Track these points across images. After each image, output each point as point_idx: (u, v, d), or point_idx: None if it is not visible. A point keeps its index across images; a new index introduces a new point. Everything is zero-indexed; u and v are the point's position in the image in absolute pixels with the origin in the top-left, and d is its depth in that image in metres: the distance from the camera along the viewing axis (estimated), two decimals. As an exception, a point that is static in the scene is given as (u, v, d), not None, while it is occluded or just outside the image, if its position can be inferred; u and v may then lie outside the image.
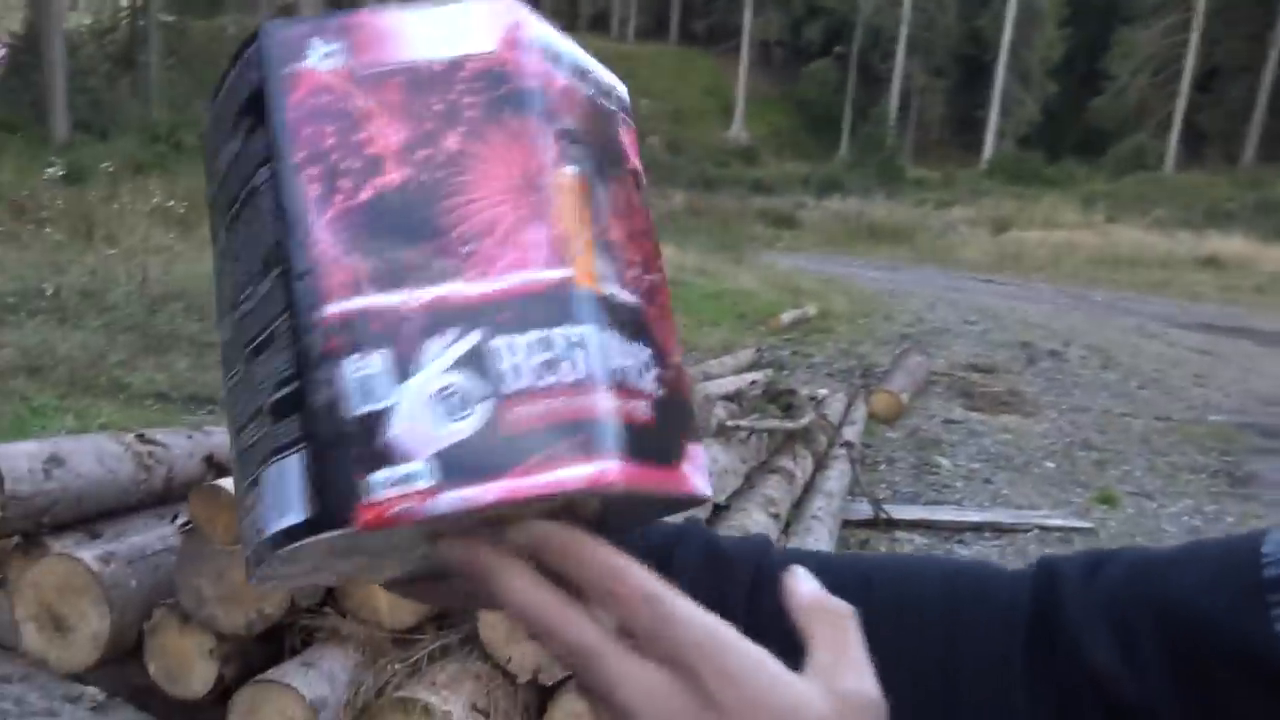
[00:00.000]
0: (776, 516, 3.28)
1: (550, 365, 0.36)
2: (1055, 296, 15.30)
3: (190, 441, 2.37)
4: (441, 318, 0.36)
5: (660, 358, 0.42)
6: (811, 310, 11.10)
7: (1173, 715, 0.45)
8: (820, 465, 4.36)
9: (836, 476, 4.22)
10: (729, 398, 4.54)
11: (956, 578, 0.53)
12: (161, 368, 5.76)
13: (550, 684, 1.70)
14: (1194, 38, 36.77)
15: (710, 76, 46.15)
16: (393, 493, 0.35)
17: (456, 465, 0.35)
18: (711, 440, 3.39)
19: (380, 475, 0.35)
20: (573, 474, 0.35)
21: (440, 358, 0.36)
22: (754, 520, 3.07)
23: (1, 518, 1.89)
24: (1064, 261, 20.39)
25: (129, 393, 5.25)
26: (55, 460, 2.01)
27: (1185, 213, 25.43)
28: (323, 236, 0.37)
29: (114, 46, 32.12)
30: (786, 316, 10.24)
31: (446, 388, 0.36)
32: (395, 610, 1.67)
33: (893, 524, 4.23)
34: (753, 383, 5.34)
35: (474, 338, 0.36)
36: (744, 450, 3.60)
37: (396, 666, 1.69)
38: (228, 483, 1.52)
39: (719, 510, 3.01)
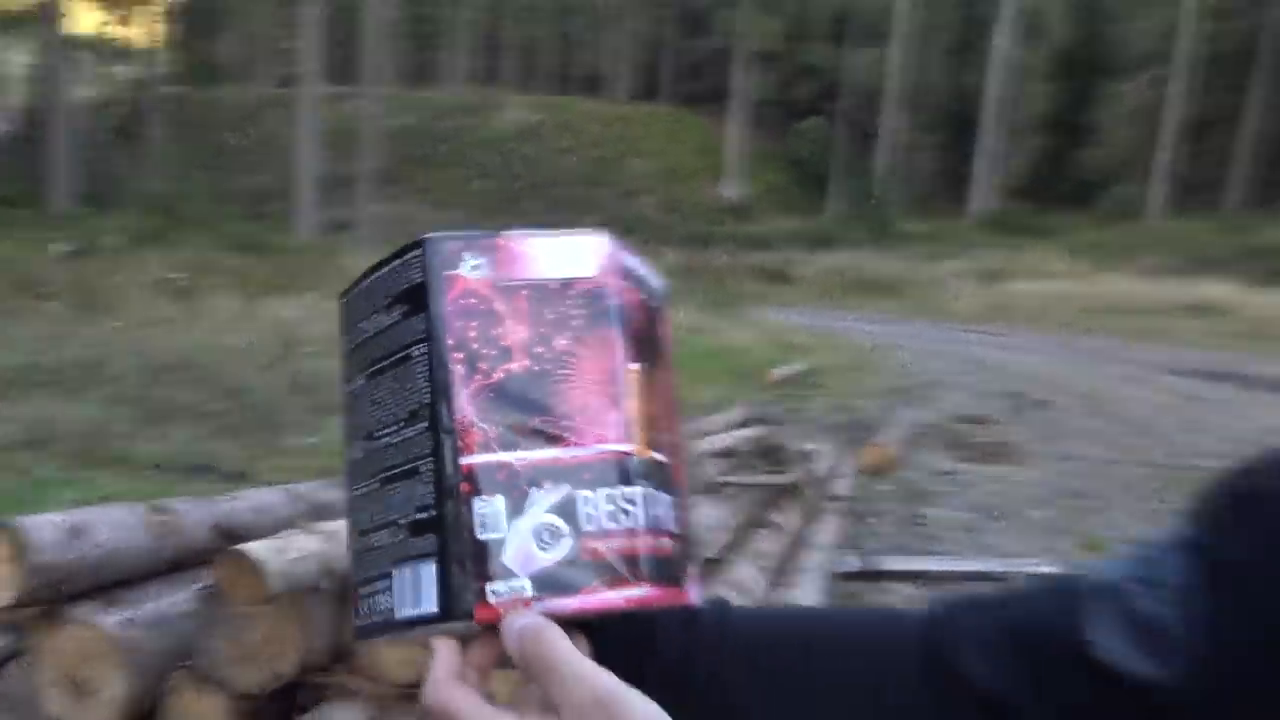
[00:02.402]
0: (766, 570, 3.38)
1: (614, 515, 0.51)
2: (1045, 346, 15.46)
3: (201, 510, 2.48)
4: (544, 474, 0.51)
5: (679, 503, 0.57)
6: (804, 365, 11.25)
7: (1035, 712, 0.57)
8: (810, 519, 4.46)
9: (825, 530, 4.33)
10: (722, 454, 4.66)
11: (868, 621, 0.67)
12: (161, 438, 5.87)
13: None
14: (1176, 89, 37.46)
15: (702, 136, 46.84)
16: (503, 599, 0.49)
17: (548, 582, 0.50)
18: (703, 497, 3.51)
19: (495, 585, 0.49)
20: (624, 595, 0.51)
21: (540, 503, 0.50)
22: (744, 574, 3.18)
23: (27, 588, 2.01)
24: (1053, 311, 20.60)
25: (130, 464, 5.36)
26: (76, 530, 2.12)
27: (1172, 260, 25.72)
28: (465, 405, 0.51)
29: (116, 119, 32.67)
30: (779, 372, 10.38)
31: (544, 525, 0.50)
32: (401, 667, 1.78)
33: (882, 575, 4.33)
34: (745, 439, 5.46)
35: (564, 490, 0.51)
36: (734, 506, 3.72)
37: (401, 721, 1.80)
38: (252, 547, 1.66)
39: (710, 564, 3.11)
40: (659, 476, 0.54)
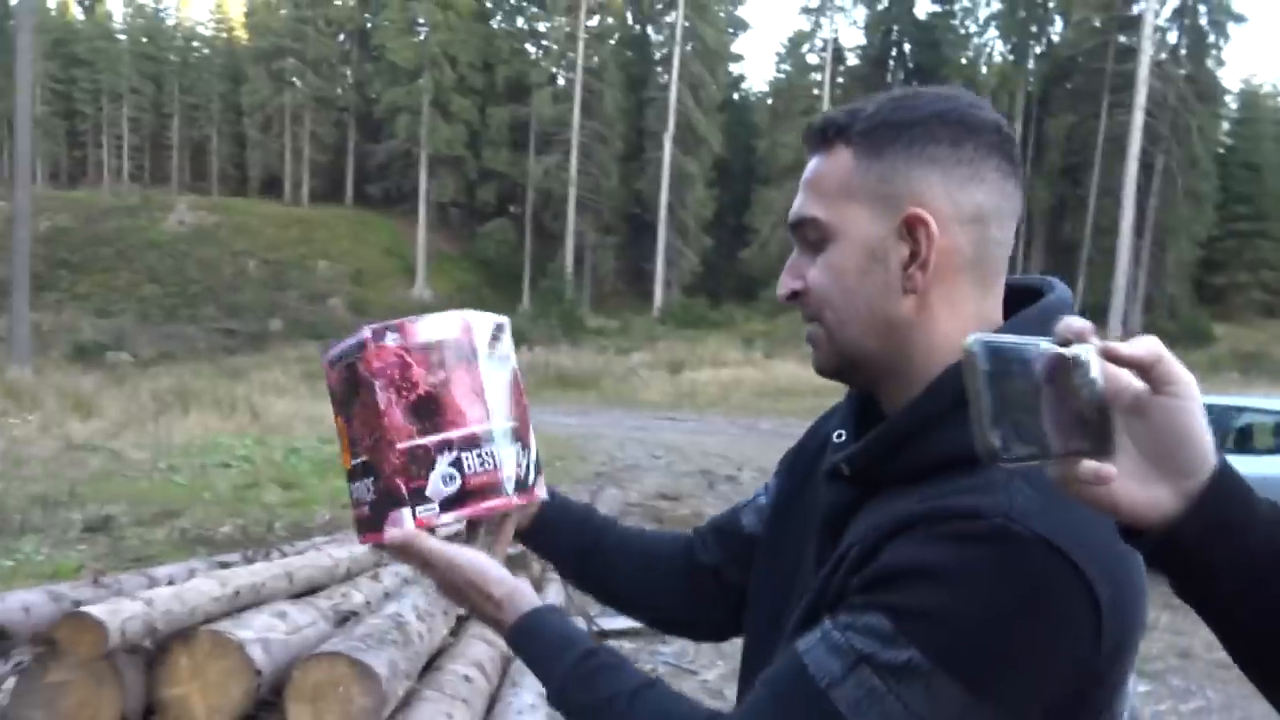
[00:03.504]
0: (506, 632, 3.71)
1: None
2: (728, 428, 16.88)
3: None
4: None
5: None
6: (511, 457, 11.64)
7: (728, 565, 1.11)
8: (537, 587, 4.84)
9: (551, 596, 4.72)
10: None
11: (660, 535, 1.20)
12: None
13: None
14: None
15: (389, 237, 46.81)
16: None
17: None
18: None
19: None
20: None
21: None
22: (480, 631, 3.50)
23: None
24: (732, 396, 22.45)
25: None
26: None
27: (828, 346, 28.69)
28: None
29: None
30: (488, 464, 10.71)
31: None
32: (212, 716, 1.95)
33: (605, 634, 4.77)
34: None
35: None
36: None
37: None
38: (92, 608, 1.81)
39: (463, 619, 3.41)
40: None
